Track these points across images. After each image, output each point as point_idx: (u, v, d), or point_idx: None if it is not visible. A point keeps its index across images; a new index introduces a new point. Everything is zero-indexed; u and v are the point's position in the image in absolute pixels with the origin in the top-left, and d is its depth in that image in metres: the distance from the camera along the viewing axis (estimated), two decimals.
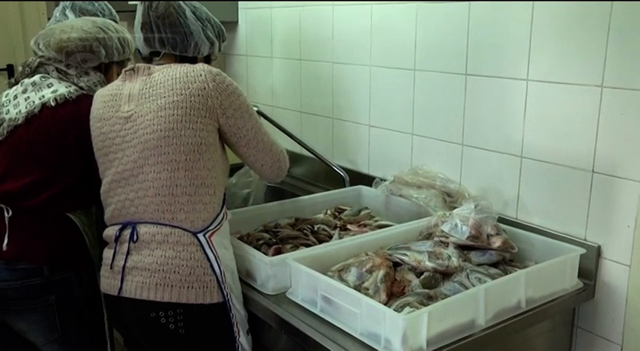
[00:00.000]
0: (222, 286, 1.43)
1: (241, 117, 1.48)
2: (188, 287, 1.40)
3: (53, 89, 1.60)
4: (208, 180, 1.45)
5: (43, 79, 1.62)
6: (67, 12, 2.06)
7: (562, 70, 1.56)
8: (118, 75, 1.58)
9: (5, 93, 1.67)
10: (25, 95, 1.61)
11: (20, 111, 1.59)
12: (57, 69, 1.65)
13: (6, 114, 1.61)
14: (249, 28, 2.71)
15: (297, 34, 2.45)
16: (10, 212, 1.58)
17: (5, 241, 1.56)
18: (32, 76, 1.65)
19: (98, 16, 2.05)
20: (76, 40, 1.63)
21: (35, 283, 1.57)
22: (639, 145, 1.44)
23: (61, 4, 2.10)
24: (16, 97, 1.63)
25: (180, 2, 1.56)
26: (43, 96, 1.58)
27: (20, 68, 1.69)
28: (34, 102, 1.59)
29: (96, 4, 2.10)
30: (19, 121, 1.58)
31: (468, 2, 1.77)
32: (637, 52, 1.41)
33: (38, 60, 1.65)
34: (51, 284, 1.59)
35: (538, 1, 1.58)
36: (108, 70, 1.73)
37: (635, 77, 1.42)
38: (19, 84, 1.65)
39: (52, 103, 1.57)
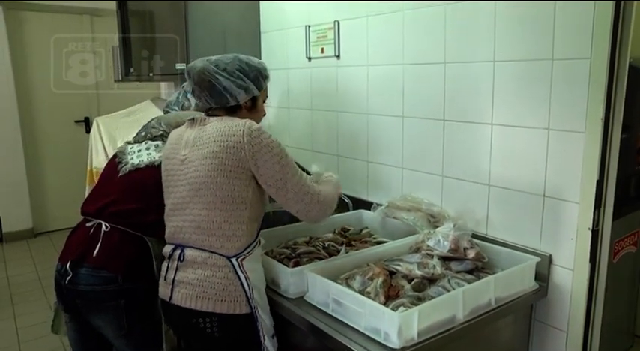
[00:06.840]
0: (250, 300, 1.46)
1: (271, 168, 1.44)
2: (222, 300, 1.44)
3: None
4: (240, 219, 1.46)
5: (162, 144, 1.82)
6: (189, 95, 2.13)
7: (518, 116, 1.64)
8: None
9: (130, 146, 1.86)
10: (148, 152, 1.80)
11: (142, 160, 1.76)
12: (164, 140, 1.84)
13: (130, 160, 1.79)
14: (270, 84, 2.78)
15: (308, 88, 2.53)
16: (109, 227, 1.67)
17: (96, 250, 1.65)
18: (152, 141, 1.85)
19: None
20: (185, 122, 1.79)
21: (111, 289, 1.64)
22: (577, 174, 1.53)
23: (182, 89, 2.18)
24: (140, 150, 1.82)
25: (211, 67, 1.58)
26: (162, 156, 1.72)
27: (143, 133, 1.89)
28: (154, 157, 1.77)
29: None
30: (141, 166, 1.76)
31: (444, 64, 1.84)
32: (572, 102, 1.50)
33: (160, 133, 1.86)
34: (122, 291, 1.65)
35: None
36: None
37: (572, 122, 1.51)
38: (144, 143, 1.85)
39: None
